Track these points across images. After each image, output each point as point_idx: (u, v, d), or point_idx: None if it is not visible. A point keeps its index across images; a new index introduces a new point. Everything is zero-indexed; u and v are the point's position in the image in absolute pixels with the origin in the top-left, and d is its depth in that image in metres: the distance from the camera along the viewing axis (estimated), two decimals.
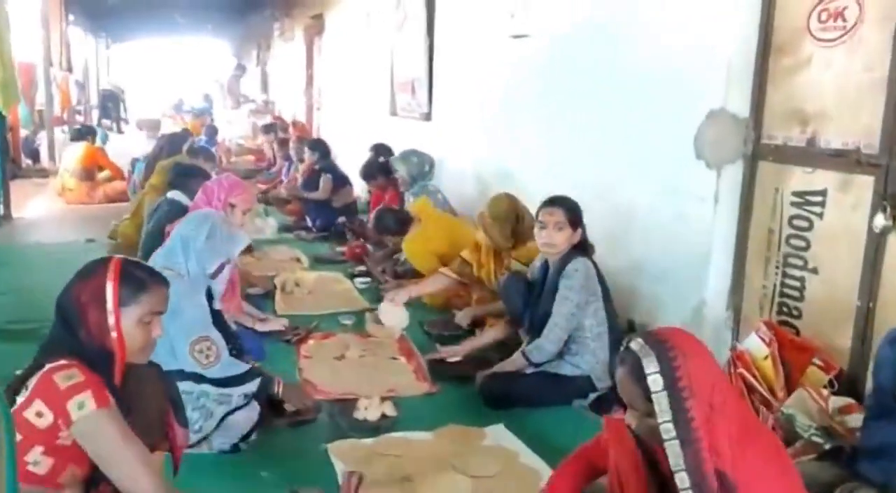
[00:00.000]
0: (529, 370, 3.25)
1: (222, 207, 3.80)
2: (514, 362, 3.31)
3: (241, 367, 2.81)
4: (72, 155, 8.88)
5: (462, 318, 4.12)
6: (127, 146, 13.14)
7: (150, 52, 31.31)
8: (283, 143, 9.20)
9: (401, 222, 5.08)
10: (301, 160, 7.98)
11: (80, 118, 15.11)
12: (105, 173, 9.14)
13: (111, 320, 1.90)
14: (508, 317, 3.58)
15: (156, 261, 2.91)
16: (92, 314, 1.91)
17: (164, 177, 5.38)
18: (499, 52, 5.32)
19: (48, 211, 8.26)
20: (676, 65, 3.47)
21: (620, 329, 3.39)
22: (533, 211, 3.56)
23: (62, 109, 13.15)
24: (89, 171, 8.78)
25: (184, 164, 5.11)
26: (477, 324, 4.10)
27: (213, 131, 11.12)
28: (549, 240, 3.25)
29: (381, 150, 6.72)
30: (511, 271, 3.84)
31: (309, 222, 7.12)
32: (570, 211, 3.27)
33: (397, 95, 7.77)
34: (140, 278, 1.97)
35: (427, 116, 6.87)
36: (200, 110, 17.22)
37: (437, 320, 4.29)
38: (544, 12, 4.70)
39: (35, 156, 11.91)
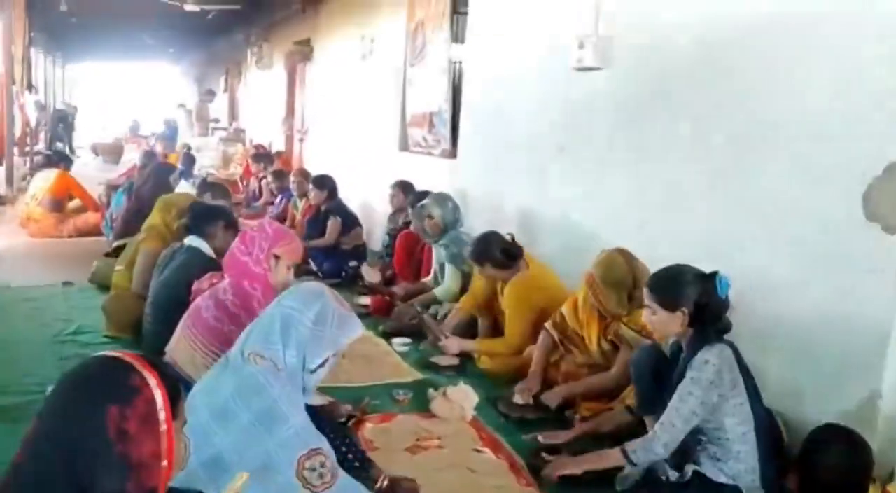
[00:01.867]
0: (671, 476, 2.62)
1: (265, 258, 3.13)
2: (607, 457, 2.71)
3: (361, 490, 2.14)
4: (41, 183, 8.01)
5: (551, 398, 3.46)
6: (84, 171, 12.21)
7: (102, 73, 30.25)
8: (279, 175, 8.45)
9: (508, 256, 4.18)
10: (303, 196, 7.26)
11: (40, 142, 14.08)
12: (75, 203, 8.28)
13: (163, 444, 1.35)
14: (637, 402, 2.95)
15: (246, 343, 2.23)
16: (145, 446, 1.33)
17: (166, 217, 4.65)
18: (555, 87, 4.76)
19: (10, 245, 7.35)
20: (836, 106, 2.94)
21: (776, 428, 2.80)
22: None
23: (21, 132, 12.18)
24: (59, 201, 7.92)
25: (202, 203, 4.39)
26: (568, 404, 3.46)
27: (190, 161, 10.30)
28: (649, 326, 2.70)
29: (408, 188, 6.10)
30: (637, 340, 3.27)
31: (313, 266, 6.41)
32: (659, 291, 2.70)
33: (410, 129, 7.15)
34: (175, 382, 1.45)
35: (450, 154, 6.26)
36: (167, 135, 16.28)
37: (510, 398, 3.63)
38: (626, 40, 4.16)
39: None
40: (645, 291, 2.70)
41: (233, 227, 4.05)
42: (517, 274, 4.12)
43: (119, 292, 4.41)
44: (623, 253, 3.41)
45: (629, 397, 3.14)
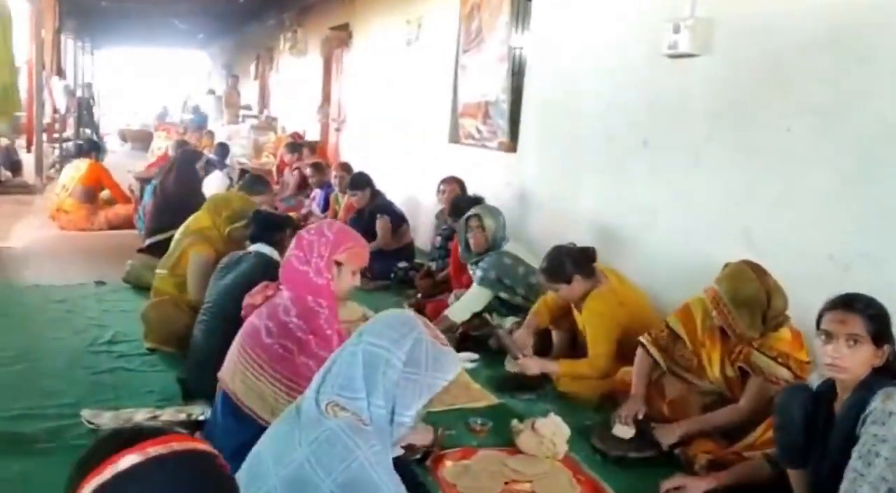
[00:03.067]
0: None
1: (325, 266, 2.70)
2: None
3: None
4: (72, 172, 7.65)
5: (666, 434, 2.99)
6: (112, 160, 11.89)
7: (128, 59, 30.01)
8: (318, 167, 8.01)
9: (586, 272, 3.69)
10: (345, 191, 6.83)
11: (68, 129, 13.77)
12: (105, 194, 7.93)
13: None
14: (782, 453, 2.48)
15: (322, 389, 1.79)
16: None
17: (216, 219, 4.21)
18: (639, 75, 4.29)
19: (40, 239, 7.00)
20: None
21: None
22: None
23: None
24: (92, 192, 7.56)
25: (265, 212, 3.96)
26: (685, 442, 3.00)
27: (224, 150, 9.89)
28: (838, 360, 2.18)
29: (463, 187, 5.65)
30: (785, 380, 2.81)
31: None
32: (875, 320, 2.21)
33: (461, 119, 6.69)
34: None
35: (508, 147, 5.79)
36: (197, 123, 15.91)
37: (605, 430, 3.18)
38: (730, 23, 3.68)
39: (16, 168, 10.61)
40: (851, 318, 2.19)
41: None
42: (597, 288, 3.67)
43: (161, 300, 4.00)
44: (752, 266, 2.94)
45: (760, 439, 2.69)
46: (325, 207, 7.67)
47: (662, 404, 3.20)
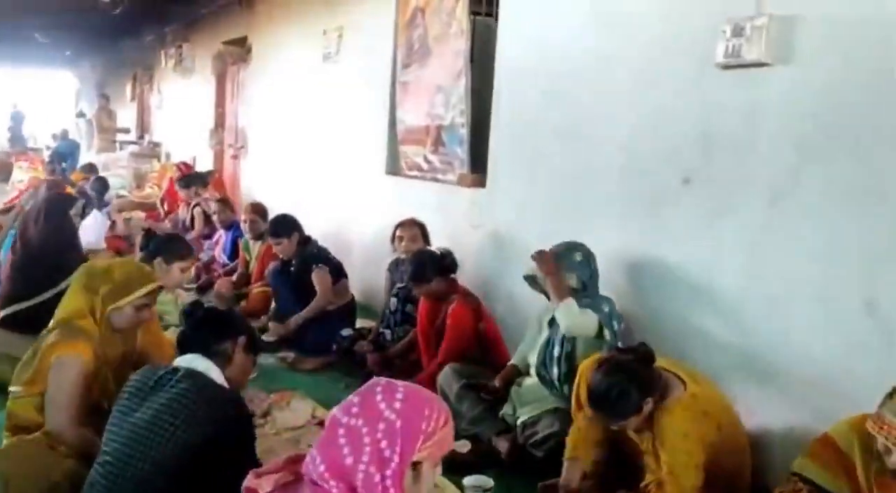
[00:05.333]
0: None
1: (399, 469, 1.49)
2: None
3: None
4: None
5: None
6: None
7: None
8: (225, 204, 6.63)
9: (649, 386, 2.57)
10: (258, 238, 5.54)
11: None
12: None
13: None
14: None
15: None
16: None
17: (95, 300, 2.82)
18: (676, 91, 3.30)
19: None
20: None
21: None
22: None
23: None
24: None
25: (206, 307, 2.62)
26: None
27: (103, 186, 8.32)
28: None
29: (424, 230, 4.51)
30: None
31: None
32: None
33: (403, 147, 5.56)
34: None
35: (473, 181, 4.69)
36: (64, 150, 13.97)
37: None
38: (818, 22, 2.74)
39: None
40: None
41: (257, 346, 2.51)
42: (671, 396, 2.60)
43: (20, 440, 2.56)
44: None
45: None
46: (233, 253, 6.34)
47: None
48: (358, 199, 6.08)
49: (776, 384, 2.88)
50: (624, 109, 3.55)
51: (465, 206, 4.77)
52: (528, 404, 3.28)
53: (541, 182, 4.15)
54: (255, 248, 5.73)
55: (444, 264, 3.94)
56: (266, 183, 8.25)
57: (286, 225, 4.91)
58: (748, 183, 2.99)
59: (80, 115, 16.13)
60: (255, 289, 5.44)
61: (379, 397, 1.52)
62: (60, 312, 2.80)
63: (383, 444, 1.46)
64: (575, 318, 3.13)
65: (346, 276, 4.99)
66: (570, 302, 3.15)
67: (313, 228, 5.33)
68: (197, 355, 2.32)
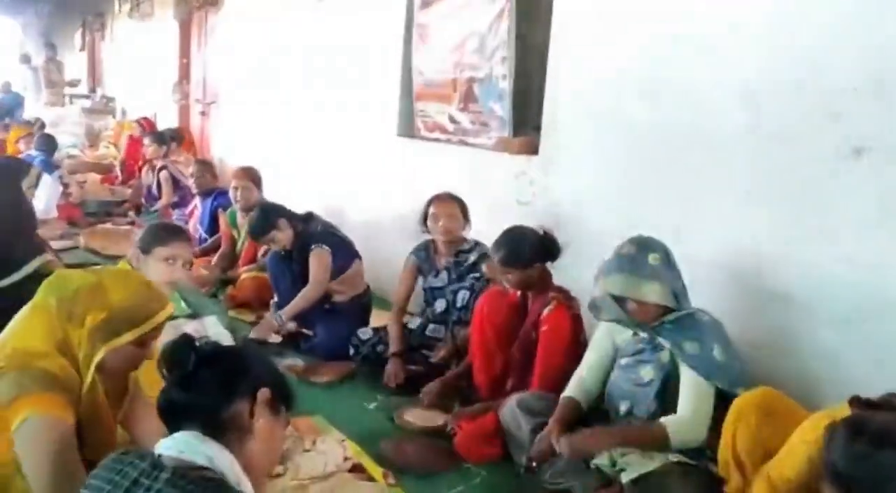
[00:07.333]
0: None
1: None
2: None
3: None
4: None
5: None
6: None
7: None
8: (206, 167, 5.61)
9: None
10: (249, 210, 4.59)
11: None
12: None
13: None
14: None
15: None
16: None
17: (68, 329, 1.83)
18: (839, 16, 2.46)
19: None
20: None
21: None
22: None
23: None
24: None
25: (212, 351, 1.61)
26: None
27: (49, 144, 7.17)
28: None
29: (464, 207, 3.62)
30: None
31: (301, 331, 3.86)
32: None
33: (420, 104, 4.65)
34: None
35: (519, 146, 3.81)
36: (7, 104, 12.62)
37: None
38: None
39: None
40: None
41: (289, 399, 1.64)
42: None
43: None
44: None
45: None
46: (211, 226, 5.39)
47: None
48: (360, 167, 5.16)
49: None
50: (751, 45, 2.68)
51: (506, 177, 3.90)
52: (630, 453, 2.45)
53: (618, 149, 3.30)
54: (245, 222, 4.79)
55: (547, 245, 3.00)
56: (242, 144, 7.24)
57: (268, 217, 3.95)
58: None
59: (25, 60, 14.48)
60: (245, 273, 4.52)
61: None
62: (14, 340, 1.87)
63: None
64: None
65: (359, 257, 4.11)
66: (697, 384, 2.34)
67: (302, 204, 4.41)
68: (192, 433, 1.45)
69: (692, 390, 2.35)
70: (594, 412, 2.65)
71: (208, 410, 1.49)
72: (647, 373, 2.51)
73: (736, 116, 2.76)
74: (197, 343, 1.55)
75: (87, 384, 1.82)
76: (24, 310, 1.93)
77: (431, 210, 3.57)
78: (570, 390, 2.66)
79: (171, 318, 3.93)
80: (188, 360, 1.51)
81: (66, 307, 1.86)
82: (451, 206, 3.55)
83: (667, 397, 2.45)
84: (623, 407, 2.56)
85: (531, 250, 2.94)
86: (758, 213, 2.71)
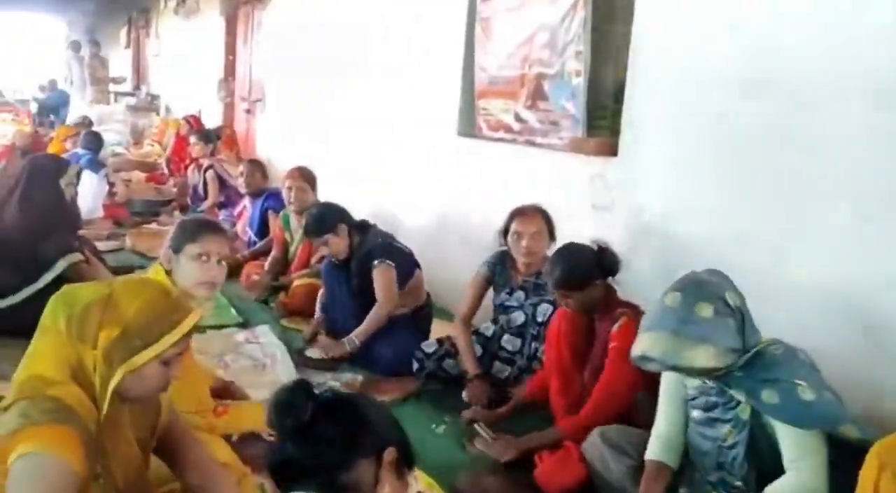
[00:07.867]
0: None
1: None
2: None
3: None
4: None
5: None
6: None
7: None
8: (257, 167, 5.38)
9: None
10: (302, 211, 4.35)
11: None
12: None
13: None
14: None
15: None
16: None
17: (80, 349, 1.52)
18: None
19: None
20: None
21: None
22: None
23: None
24: None
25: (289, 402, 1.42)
26: None
27: (96, 141, 7.05)
28: None
29: (549, 221, 3.34)
30: None
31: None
32: None
33: (482, 102, 4.39)
34: None
35: (596, 148, 3.54)
36: (53, 102, 12.62)
37: None
38: None
39: None
40: None
41: (411, 459, 1.41)
42: None
43: None
44: None
45: None
46: (261, 229, 5.18)
47: None
48: (416, 167, 4.92)
49: None
50: (886, 29, 2.37)
51: (580, 179, 3.62)
52: None
53: (711, 153, 2.99)
54: (296, 224, 4.56)
55: (605, 260, 2.75)
56: (290, 144, 7.05)
57: (327, 217, 3.72)
58: None
59: (75, 47, 13.66)
60: (298, 280, 4.30)
61: None
62: (26, 370, 1.64)
63: None
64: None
65: (419, 267, 3.87)
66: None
67: (353, 207, 4.16)
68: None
69: (795, 450, 1.99)
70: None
71: (327, 469, 1.25)
72: (729, 435, 2.12)
73: (862, 118, 2.44)
74: (315, 390, 1.31)
75: (105, 413, 1.58)
76: (36, 331, 1.70)
77: (514, 226, 3.27)
78: (655, 452, 2.28)
79: (220, 327, 3.89)
80: (305, 409, 1.29)
81: (77, 327, 1.60)
82: (536, 222, 3.26)
83: (758, 451, 2.11)
84: (714, 477, 2.22)
85: (587, 269, 2.68)
86: (879, 232, 2.38)
